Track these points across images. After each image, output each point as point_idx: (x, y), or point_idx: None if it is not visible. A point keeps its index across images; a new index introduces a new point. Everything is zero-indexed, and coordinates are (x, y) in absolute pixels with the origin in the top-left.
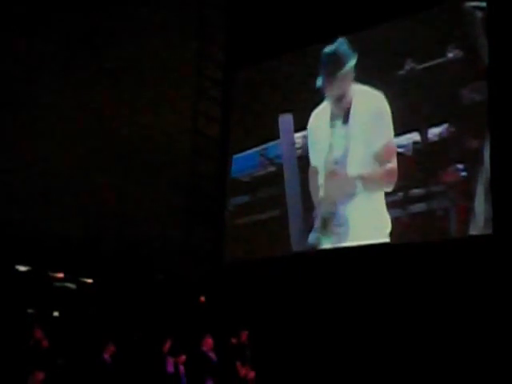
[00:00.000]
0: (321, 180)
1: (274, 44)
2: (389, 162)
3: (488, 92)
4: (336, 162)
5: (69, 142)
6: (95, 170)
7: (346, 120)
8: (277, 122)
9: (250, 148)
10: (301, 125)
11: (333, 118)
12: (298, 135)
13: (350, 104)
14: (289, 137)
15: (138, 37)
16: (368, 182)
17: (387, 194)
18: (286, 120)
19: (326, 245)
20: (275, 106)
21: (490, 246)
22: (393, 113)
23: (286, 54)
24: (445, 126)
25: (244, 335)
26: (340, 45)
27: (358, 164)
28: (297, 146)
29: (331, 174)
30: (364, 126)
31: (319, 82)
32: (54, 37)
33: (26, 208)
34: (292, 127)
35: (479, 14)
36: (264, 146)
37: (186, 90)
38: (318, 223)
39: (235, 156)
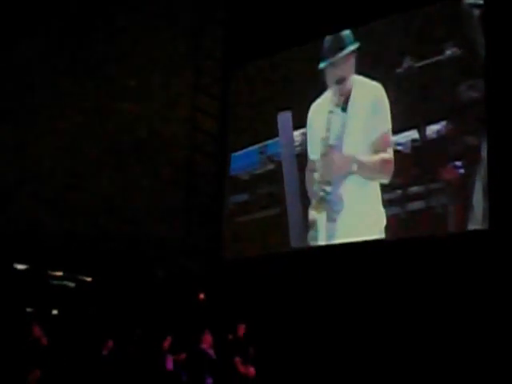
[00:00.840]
0: (317, 170)
1: (272, 41)
2: (385, 151)
3: (485, 89)
4: (332, 146)
5: (66, 142)
6: (93, 168)
7: (344, 108)
8: (276, 120)
9: (248, 146)
10: (300, 122)
11: (332, 106)
12: (296, 133)
13: (350, 92)
14: (288, 134)
15: (135, 34)
16: (363, 166)
17: (385, 192)
18: (284, 118)
19: (320, 225)
20: (274, 104)
21: (487, 240)
22: (391, 110)
23: (285, 51)
24: (443, 123)
25: (241, 329)
26: (342, 32)
27: (354, 148)
28: (296, 143)
29: (326, 155)
30: (362, 115)
31: (322, 64)
32: (49, 37)
33: (23, 206)
34: (291, 125)
35: (476, 12)
36: (263, 144)
37: (185, 87)
38: (312, 201)
39: (234, 154)
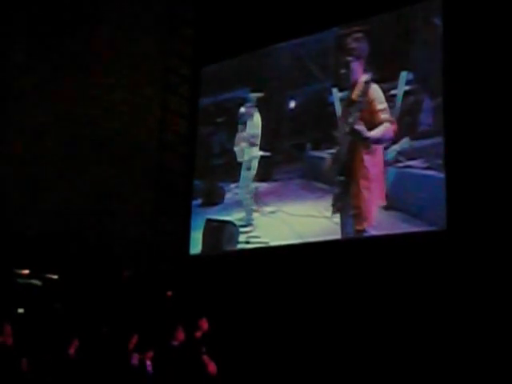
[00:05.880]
0: None
1: (243, 39)
2: None
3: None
4: None
5: (32, 140)
6: (62, 165)
7: None
8: None
9: None
10: None
11: None
12: None
13: None
14: None
15: (104, 33)
16: None
17: None
18: None
19: None
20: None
21: (444, 240)
22: None
23: (256, 50)
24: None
25: (204, 323)
26: None
27: None
28: None
29: None
30: None
31: None
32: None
33: None
34: None
35: None
36: None
37: (154, 86)
38: None
39: None
